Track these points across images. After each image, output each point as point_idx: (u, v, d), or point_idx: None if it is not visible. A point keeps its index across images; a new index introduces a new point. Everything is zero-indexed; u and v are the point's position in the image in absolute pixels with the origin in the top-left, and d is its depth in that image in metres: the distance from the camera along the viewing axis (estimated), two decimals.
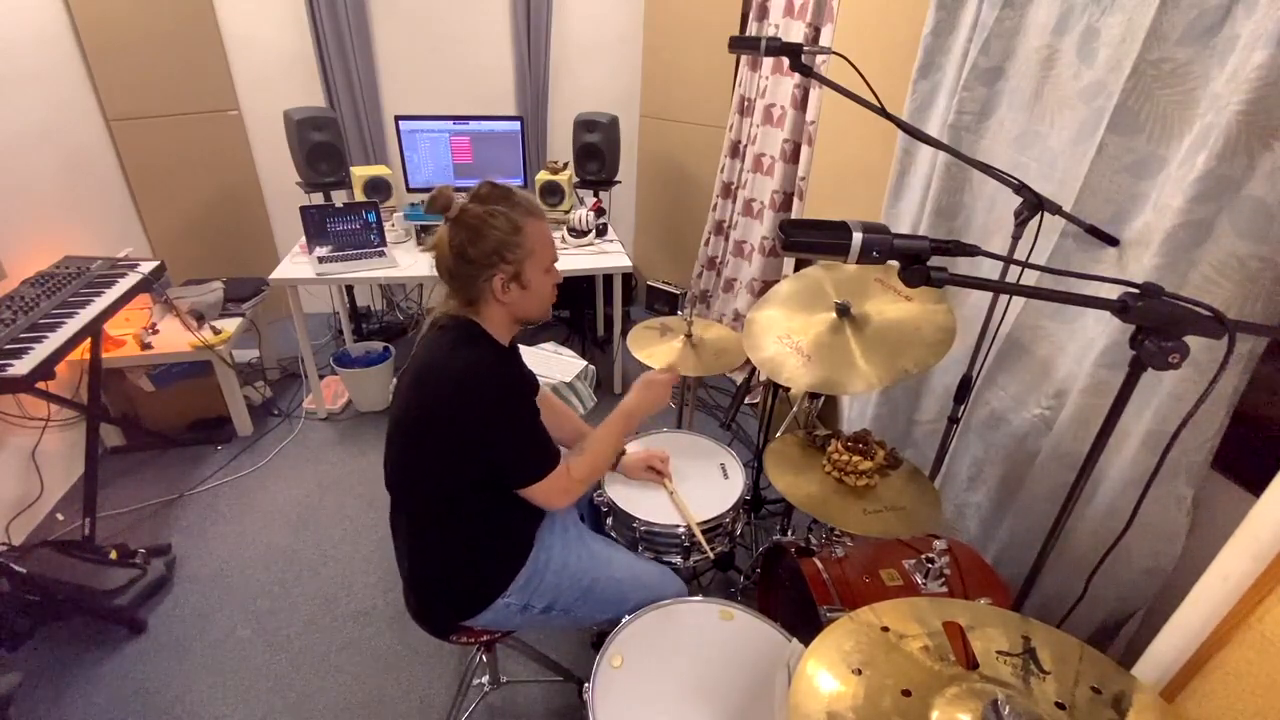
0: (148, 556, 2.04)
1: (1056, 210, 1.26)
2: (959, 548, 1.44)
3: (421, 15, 3.24)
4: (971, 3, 1.60)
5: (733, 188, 3.17)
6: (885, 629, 0.86)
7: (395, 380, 1.32)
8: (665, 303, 3.79)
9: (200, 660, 1.84)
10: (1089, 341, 1.34)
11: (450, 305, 1.24)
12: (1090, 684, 0.80)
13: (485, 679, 1.69)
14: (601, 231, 3.01)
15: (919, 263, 0.80)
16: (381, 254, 2.69)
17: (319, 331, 3.53)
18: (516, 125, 3.14)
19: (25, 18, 2.35)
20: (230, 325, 2.64)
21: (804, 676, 0.80)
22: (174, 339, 2.50)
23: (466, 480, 1.21)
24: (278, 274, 2.58)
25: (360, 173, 2.91)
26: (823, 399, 2.29)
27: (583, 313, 3.56)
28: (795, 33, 2.54)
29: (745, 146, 3.01)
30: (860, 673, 0.80)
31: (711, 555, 1.46)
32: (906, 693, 0.77)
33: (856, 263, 0.79)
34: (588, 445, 1.36)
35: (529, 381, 1.38)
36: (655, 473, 1.58)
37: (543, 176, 3.14)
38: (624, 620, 1.24)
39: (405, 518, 1.31)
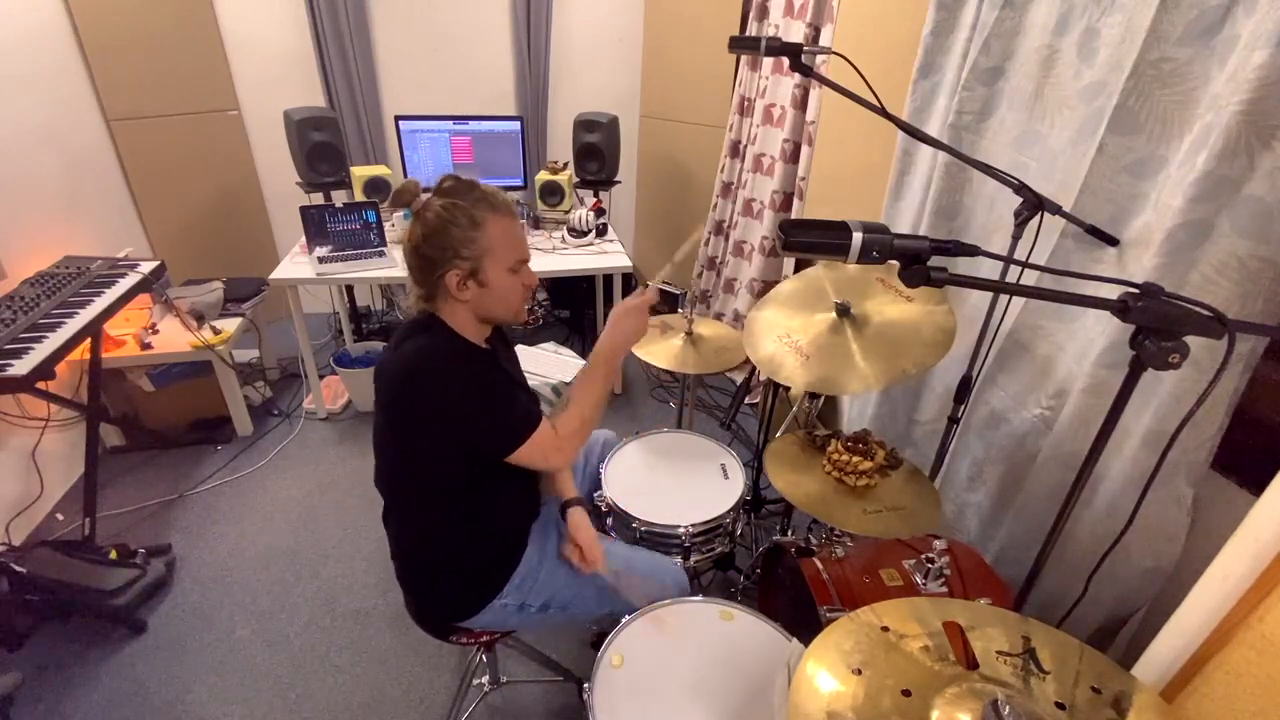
0: (148, 556, 2.04)
1: (1056, 210, 1.26)
2: (959, 548, 1.44)
3: (421, 15, 3.24)
4: (971, 3, 1.60)
5: (733, 188, 3.17)
6: (885, 629, 0.86)
7: None
8: (665, 303, 3.78)
9: (200, 660, 1.83)
10: (1089, 341, 1.34)
11: (417, 302, 1.22)
12: (1090, 684, 0.80)
13: (485, 679, 1.70)
14: (601, 231, 3.01)
15: (919, 263, 0.80)
16: (381, 254, 2.69)
17: (319, 331, 3.53)
18: (516, 125, 3.15)
19: (25, 18, 2.35)
20: (230, 325, 2.64)
21: (804, 676, 0.80)
22: (174, 339, 2.50)
23: (450, 469, 1.18)
24: (278, 274, 2.58)
25: (360, 173, 2.91)
26: (823, 399, 2.29)
27: (583, 313, 3.56)
28: (795, 33, 2.53)
29: (745, 146, 3.00)
30: (860, 673, 0.80)
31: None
32: (906, 693, 0.77)
33: (856, 263, 0.79)
34: (571, 396, 1.26)
35: (492, 362, 1.28)
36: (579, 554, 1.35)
37: (543, 176, 3.14)
38: (624, 620, 1.24)
39: (395, 519, 1.30)
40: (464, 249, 1.13)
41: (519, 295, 1.22)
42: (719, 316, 3.36)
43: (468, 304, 1.18)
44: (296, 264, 2.65)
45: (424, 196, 1.16)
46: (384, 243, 2.74)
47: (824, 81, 1.37)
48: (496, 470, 1.20)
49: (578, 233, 2.94)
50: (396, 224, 2.93)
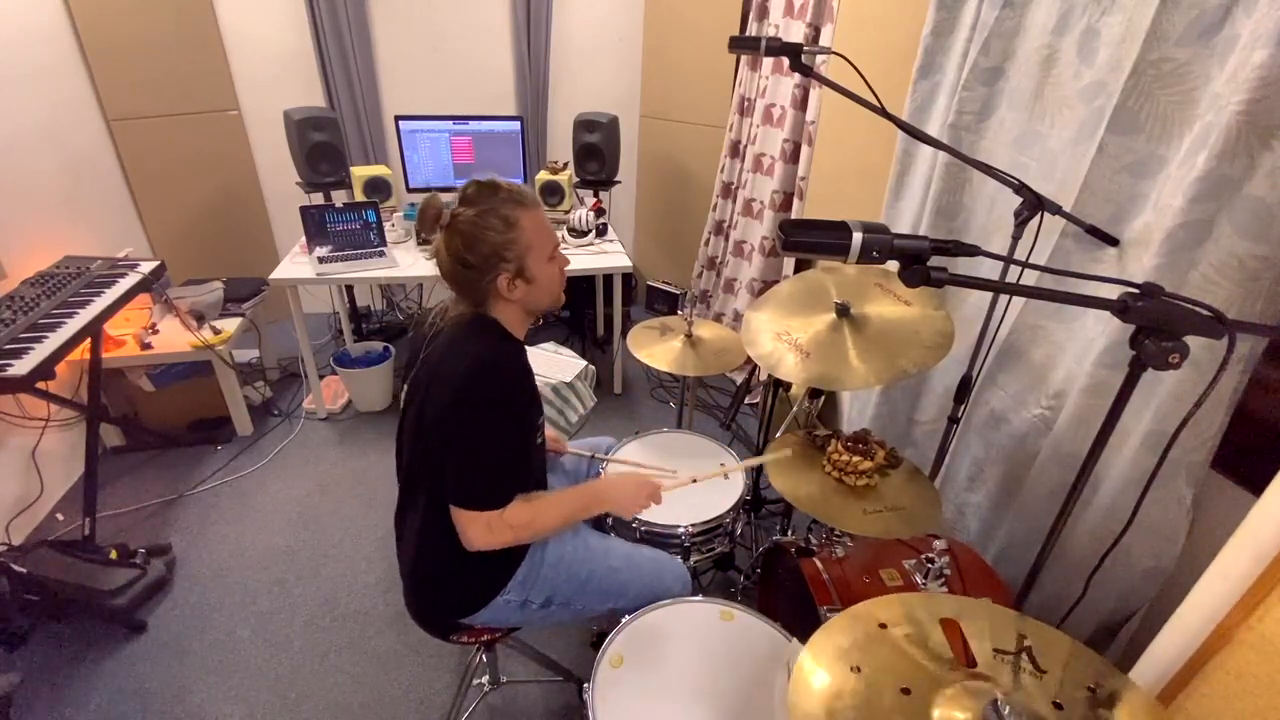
0: (148, 556, 2.03)
1: (1056, 210, 1.26)
2: (959, 548, 1.44)
3: (421, 15, 3.24)
4: (971, 3, 1.60)
5: (733, 188, 3.17)
6: (883, 625, 0.86)
7: (408, 380, 1.29)
8: (665, 303, 3.79)
9: (200, 660, 1.83)
10: (1089, 341, 1.34)
11: (462, 308, 1.23)
12: (1086, 684, 0.80)
13: (485, 679, 1.70)
14: (601, 231, 3.01)
15: (919, 262, 0.80)
16: (381, 254, 2.69)
17: (319, 331, 3.53)
18: (516, 125, 3.15)
19: (25, 18, 2.35)
20: (230, 325, 2.64)
21: (802, 674, 0.80)
22: (174, 339, 2.50)
23: None
24: (278, 274, 2.58)
25: (360, 173, 2.91)
26: (823, 399, 2.30)
27: (583, 313, 3.56)
28: (795, 33, 2.54)
29: (745, 146, 3.01)
30: (859, 670, 0.80)
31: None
32: (906, 691, 0.77)
33: (856, 263, 0.79)
34: (541, 498, 1.28)
35: (530, 391, 1.31)
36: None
37: (543, 176, 3.14)
38: (624, 620, 1.24)
39: (413, 516, 1.30)
40: (506, 252, 1.16)
41: (559, 280, 1.27)
42: (719, 317, 3.36)
43: (518, 302, 1.22)
44: (296, 264, 2.65)
45: (449, 210, 1.17)
46: (384, 243, 2.74)
47: (824, 81, 1.37)
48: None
49: (578, 233, 2.94)
50: (396, 224, 2.94)
